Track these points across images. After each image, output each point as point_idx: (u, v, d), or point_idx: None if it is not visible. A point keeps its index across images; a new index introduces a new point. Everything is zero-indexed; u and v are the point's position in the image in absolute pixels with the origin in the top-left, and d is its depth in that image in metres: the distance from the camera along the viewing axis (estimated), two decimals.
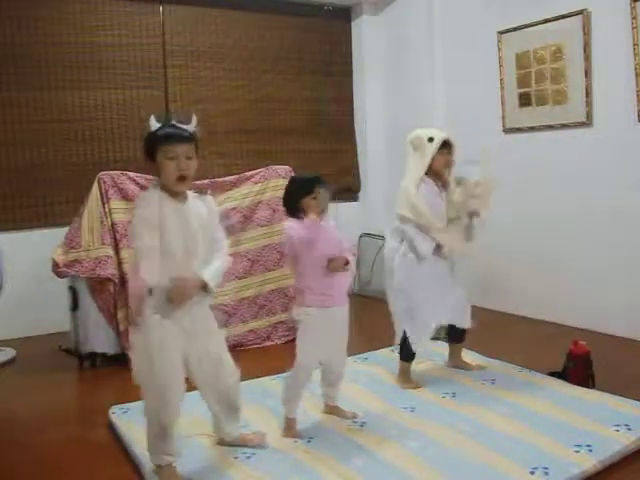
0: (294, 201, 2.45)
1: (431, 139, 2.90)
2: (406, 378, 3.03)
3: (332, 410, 2.67)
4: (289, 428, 2.50)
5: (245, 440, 2.39)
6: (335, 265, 2.36)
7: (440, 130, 2.99)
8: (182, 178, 2.05)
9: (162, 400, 2.07)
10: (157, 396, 2.08)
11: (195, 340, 2.14)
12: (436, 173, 2.94)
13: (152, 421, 2.11)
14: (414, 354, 3.01)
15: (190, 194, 2.17)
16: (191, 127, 2.11)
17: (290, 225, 2.41)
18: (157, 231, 2.00)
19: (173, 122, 2.10)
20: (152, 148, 2.05)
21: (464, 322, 3.09)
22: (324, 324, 2.42)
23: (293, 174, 4.07)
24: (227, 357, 2.28)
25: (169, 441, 2.11)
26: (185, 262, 2.08)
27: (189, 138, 2.08)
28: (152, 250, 2.00)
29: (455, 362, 3.23)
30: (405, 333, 2.95)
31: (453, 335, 3.18)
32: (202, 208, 2.18)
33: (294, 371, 2.47)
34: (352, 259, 2.53)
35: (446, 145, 2.92)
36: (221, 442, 2.41)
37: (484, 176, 2.94)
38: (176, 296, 2.02)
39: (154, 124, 2.08)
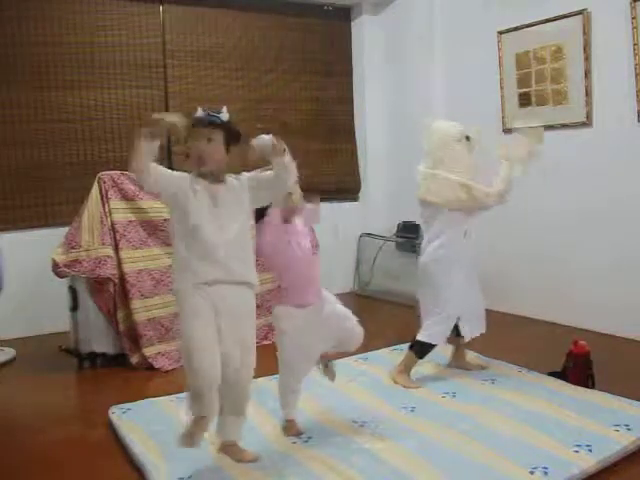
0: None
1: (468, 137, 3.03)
2: (407, 376, 3.03)
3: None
4: (289, 428, 2.50)
5: (239, 454, 2.30)
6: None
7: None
8: (199, 164, 2.14)
9: (191, 366, 2.09)
10: (187, 362, 2.10)
11: (225, 317, 2.14)
12: None
13: (188, 382, 2.13)
14: (427, 352, 3.03)
15: (229, 178, 2.22)
16: (222, 115, 2.19)
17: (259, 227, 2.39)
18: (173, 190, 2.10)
19: (206, 110, 2.19)
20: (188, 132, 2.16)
21: (481, 327, 3.12)
22: (303, 323, 2.41)
23: None
24: (252, 349, 2.25)
25: (201, 405, 2.12)
26: (217, 243, 2.11)
27: (208, 122, 2.16)
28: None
29: (458, 362, 3.23)
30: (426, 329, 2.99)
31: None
32: (237, 185, 2.23)
33: (280, 373, 2.47)
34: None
35: None
36: (220, 447, 2.33)
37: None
38: None
39: (200, 113, 2.18)
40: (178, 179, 2.14)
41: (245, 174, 2.27)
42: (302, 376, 2.49)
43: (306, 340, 2.42)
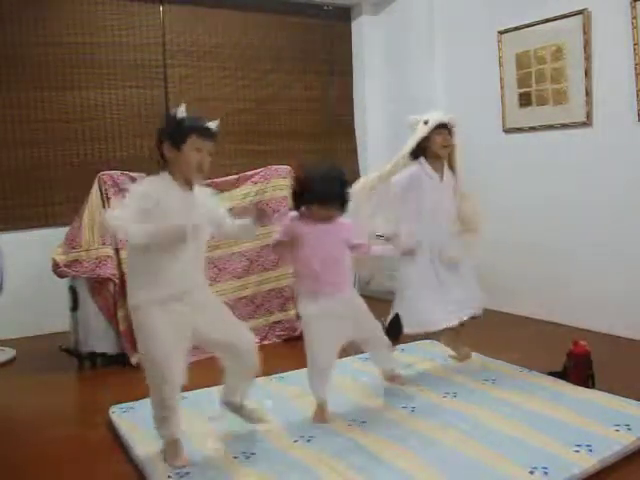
0: (303, 203, 2.48)
1: (426, 122, 2.90)
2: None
3: (391, 378, 2.84)
4: (320, 413, 2.56)
5: (250, 413, 2.45)
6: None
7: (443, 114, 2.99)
8: (201, 171, 2.18)
9: (161, 376, 2.15)
10: (157, 372, 2.15)
11: (203, 311, 2.24)
12: (435, 155, 2.95)
13: (154, 398, 2.20)
14: (397, 334, 3.03)
15: (196, 184, 2.27)
16: (215, 126, 2.21)
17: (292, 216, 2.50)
18: (147, 215, 2.04)
19: (203, 117, 2.21)
20: (182, 135, 2.12)
21: (476, 309, 3.07)
22: (325, 314, 2.47)
23: (295, 172, 4.08)
24: (239, 322, 2.39)
25: (170, 418, 2.20)
26: (190, 247, 2.14)
27: (215, 137, 2.20)
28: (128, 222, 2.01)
29: (448, 341, 3.27)
30: (393, 319, 3.00)
31: None
32: (205, 197, 2.32)
33: (309, 362, 2.53)
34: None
35: (444, 127, 2.91)
36: (227, 404, 2.44)
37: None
38: None
39: (182, 112, 2.15)
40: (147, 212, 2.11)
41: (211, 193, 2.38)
42: (327, 363, 2.54)
43: (327, 330, 2.48)
